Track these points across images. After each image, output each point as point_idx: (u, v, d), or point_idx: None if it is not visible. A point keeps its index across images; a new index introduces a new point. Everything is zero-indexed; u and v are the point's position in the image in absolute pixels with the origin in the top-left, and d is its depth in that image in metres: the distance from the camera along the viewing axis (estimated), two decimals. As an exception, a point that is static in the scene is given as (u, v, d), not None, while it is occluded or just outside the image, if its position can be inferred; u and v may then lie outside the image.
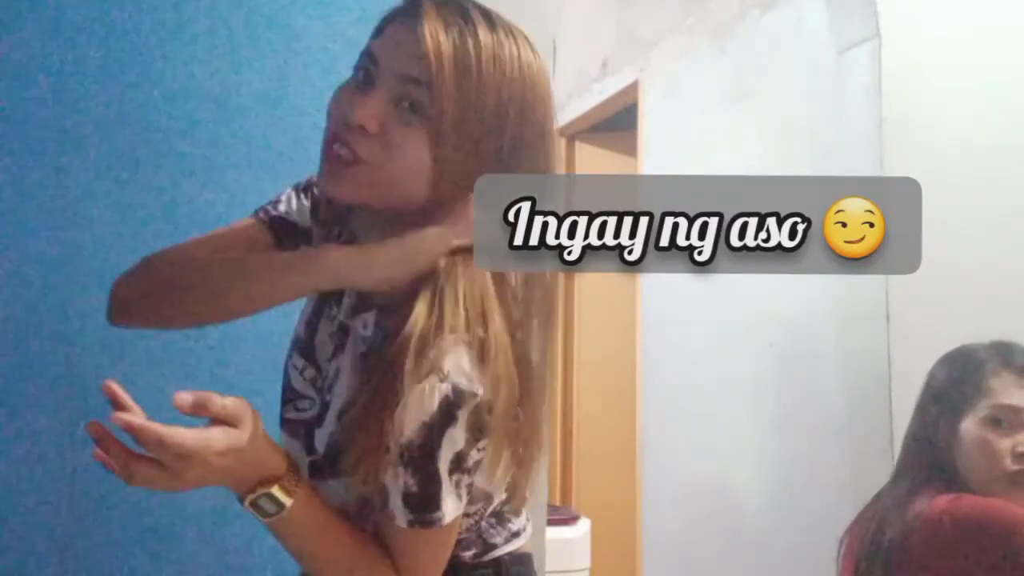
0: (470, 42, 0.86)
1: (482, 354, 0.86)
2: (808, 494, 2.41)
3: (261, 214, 1.07)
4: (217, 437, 0.81)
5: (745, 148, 2.76)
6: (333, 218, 1.02)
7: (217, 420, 0.82)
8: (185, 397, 0.81)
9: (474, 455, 0.88)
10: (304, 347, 1.02)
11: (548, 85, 0.93)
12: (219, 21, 1.57)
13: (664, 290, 3.15)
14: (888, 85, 2.26)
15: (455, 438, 0.85)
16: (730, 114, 2.83)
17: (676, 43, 3.12)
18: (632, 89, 3.37)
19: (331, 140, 0.89)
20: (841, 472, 2.29)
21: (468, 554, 0.99)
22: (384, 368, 0.86)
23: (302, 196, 1.06)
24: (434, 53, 0.85)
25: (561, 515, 2.79)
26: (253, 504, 0.87)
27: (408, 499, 0.87)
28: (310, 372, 1.01)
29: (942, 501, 1.47)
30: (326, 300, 1.01)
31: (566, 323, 3.76)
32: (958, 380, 1.58)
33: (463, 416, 0.85)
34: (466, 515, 0.96)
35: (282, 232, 1.05)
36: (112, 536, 1.46)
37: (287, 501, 0.86)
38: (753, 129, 2.73)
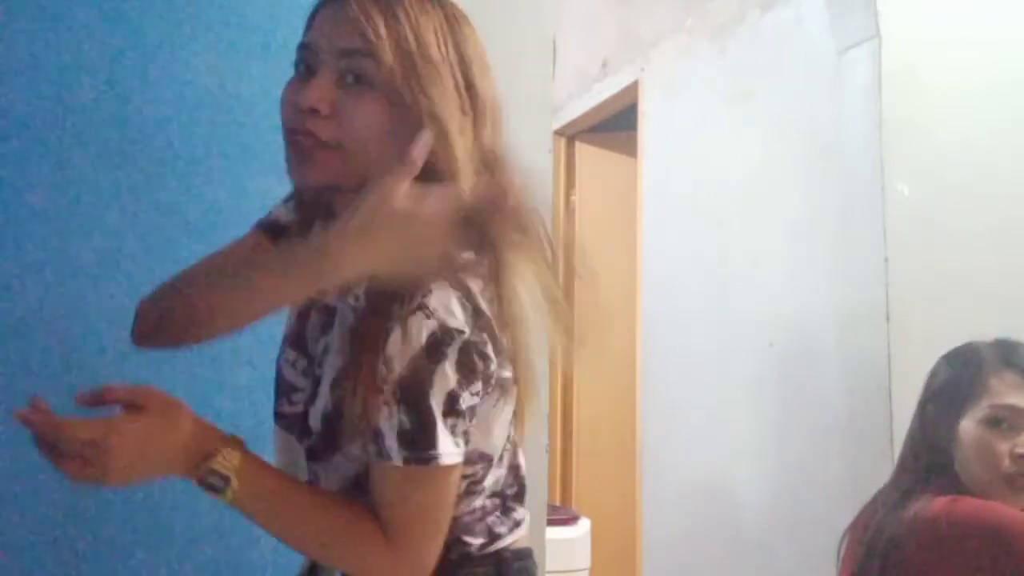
0: (396, 8, 0.90)
1: (473, 299, 0.89)
2: (808, 494, 2.41)
3: (256, 224, 1.11)
4: (116, 422, 0.87)
5: (745, 148, 2.76)
6: (313, 209, 1.04)
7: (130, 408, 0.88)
8: (83, 394, 0.90)
9: (467, 398, 0.89)
10: (296, 339, 1.03)
11: (481, 47, 0.97)
12: (219, 21, 1.57)
13: (664, 290, 3.15)
14: (888, 85, 2.26)
15: (446, 375, 0.86)
16: (730, 114, 2.83)
17: (676, 43, 3.12)
18: (632, 89, 3.37)
19: (290, 133, 0.92)
20: (841, 472, 2.29)
21: (476, 544, 0.99)
22: (375, 324, 0.88)
23: (288, 202, 1.10)
24: (366, 19, 0.89)
25: (561, 515, 2.79)
26: (203, 484, 0.89)
27: (403, 436, 0.87)
28: (302, 363, 1.02)
29: (939, 503, 1.47)
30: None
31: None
32: (959, 379, 1.57)
33: (452, 354, 0.86)
34: (470, 492, 0.97)
35: (275, 234, 1.08)
36: (112, 536, 1.46)
37: (228, 472, 0.88)
38: (753, 129, 2.73)
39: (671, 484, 3.04)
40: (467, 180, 0.91)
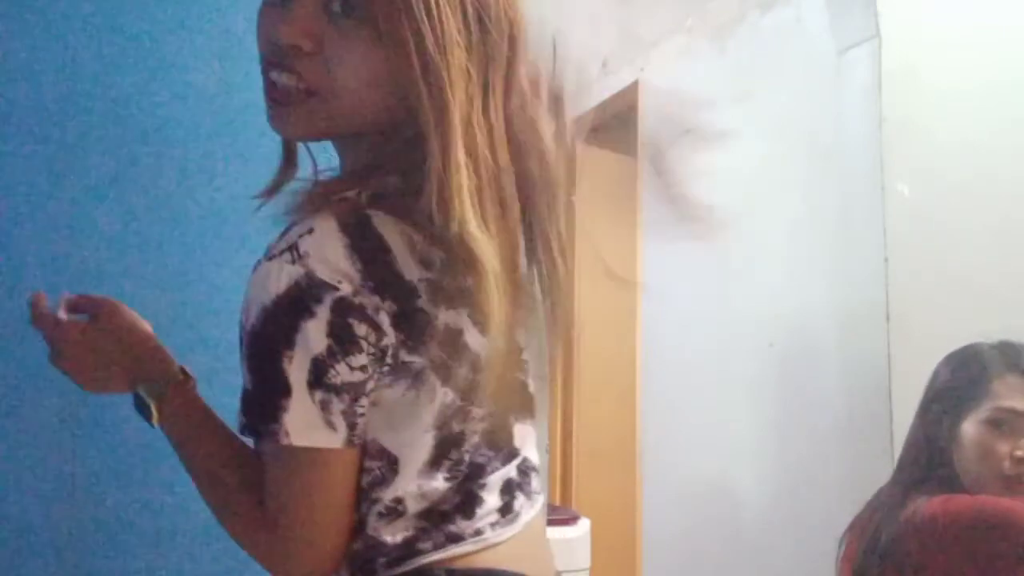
0: None
1: (375, 246, 0.72)
2: (808, 494, 2.41)
3: None
4: (64, 325, 0.96)
5: (745, 148, 2.76)
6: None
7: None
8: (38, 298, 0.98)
9: (344, 372, 0.73)
10: None
11: None
12: (219, 21, 1.57)
13: (664, 290, 3.15)
14: (888, 85, 2.26)
15: (309, 338, 0.71)
16: (730, 114, 2.82)
17: (676, 43, 3.12)
18: (632, 89, 3.37)
19: (266, 69, 0.78)
20: (841, 472, 2.28)
21: (381, 560, 0.81)
22: None
23: None
24: None
25: (561, 515, 2.79)
26: (135, 404, 0.92)
27: (244, 399, 0.77)
28: None
29: (935, 502, 1.47)
30: None
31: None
32: (961, 380, 1.58)
33: (322, 313, 0.71)
34: (369, 497, 0.80)
35: None
36: (112, 536, 1.45)
37: (149, 401, 0.90)
38: (753, 129, 2.73)
39: (671, 484, 3.03)
40: (456, 152, 0.73)
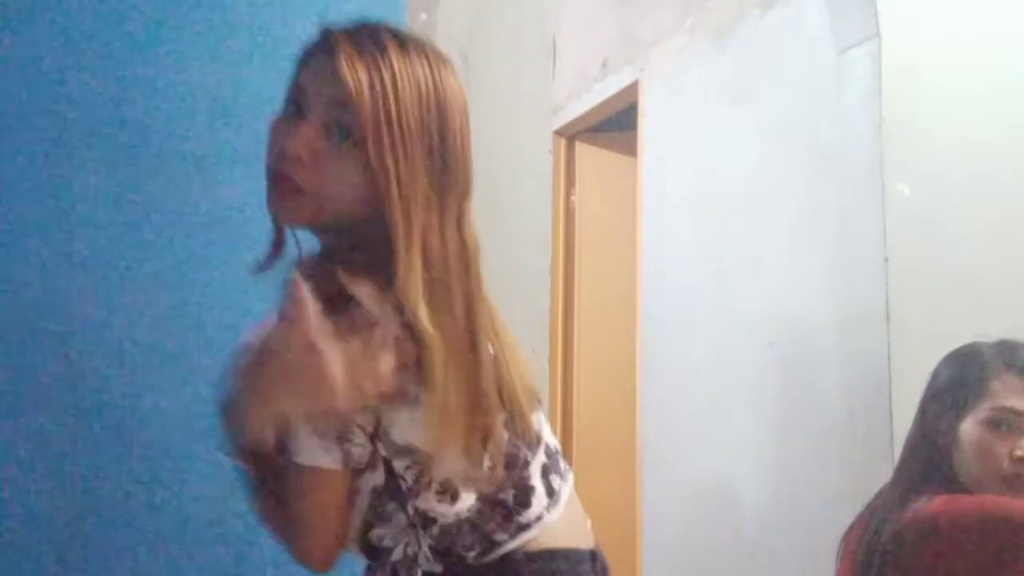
0: (382, 64, 0.93)
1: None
2: (808, 494, 2.41)
3: None
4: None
5: (745, 148, 2.76)
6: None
7: None
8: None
9: None
10: None
11: (464, 99, 0.99)
12: (219, 21, 1.57)
13: (664, 290, 3.15)
14: (888, 85, 2.26)
15: None
16: (730, 114, 2.83)
17: (676, 43, 3.12)
18: (632, 89, 3.37)
19: (272, 170, 0.97)
20: (841, 472, 2.29)
21: (471, 554, 0.98)
22: None
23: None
24: (351, 78, 0.92)
25: (561, 515, 2.79)
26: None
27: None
28: None
29: (938, 502, 1.47)
30: None
31: (566, 323, 3.77)
32: (960, 380, 1.57)
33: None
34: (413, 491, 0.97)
35: None
36: (112, 537, 1.46)
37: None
38: (753, 129, 2.73)
39: (671, 484, 3.04)
40: (411, 273, 0.91)
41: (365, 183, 0.94)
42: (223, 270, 1.52)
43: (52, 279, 1.46)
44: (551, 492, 1.05)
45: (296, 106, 0.97)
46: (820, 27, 2.45)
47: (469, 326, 0.95)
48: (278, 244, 1.05)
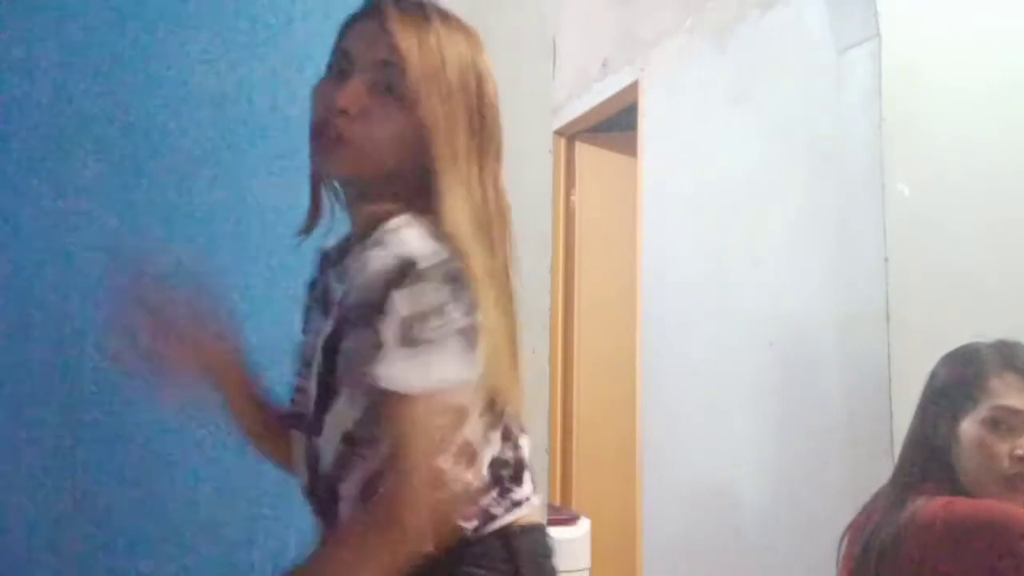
0: (428, 27, 1.00)
1: (442, 234, 0.94)
2: (808, 494, 2.41)
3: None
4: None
5: (745, 148, 2.76)
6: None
7: None
8: None
9: (430, 326, 0.90)
10: (306, 354, 1.07)
11: (494, 74, 1.06)
12: (219, 21, 1.57)
13: (664, 290, 3.15)
14: (888, 85, 2.26)
15: (398, 303, 0.90)
16: (730, 114, 2.83)
17: (676, 43, 3.12)
18: (632, 89, 3.37)
19: (319, 126, 1.01)
20: (841, 472, 2.29)
21: (470, 526, 1.00)
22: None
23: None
24: (401, 37, 0.99)
25: (561, 515, 2.79)
26: None
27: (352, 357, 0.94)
28: (305, 371, 1.06)
29: (936, 504, 1.47)
30: (316, 303, 1.09)
31: (566, 323, 3.77)
32: (959, 380, 1.57)
33: (411, 282, 0.90)
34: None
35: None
36: (112, 536, 1.46)
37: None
38: (753, 129, 2.73)
39: (671, 484, 3.04)
40: (459, 208, 0.97)
41: (409, 136, 0.99)
42: (223, 269, 1.52)
43: (52, 279, 1.46)
44: (533, 475, 1.09)
45: (339, 69, 1.02)
46: (820, 27, 2.45)
47: (507, 271, 1.01)
48: (315, 207, 1.10)
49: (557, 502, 3.51)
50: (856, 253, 2.32)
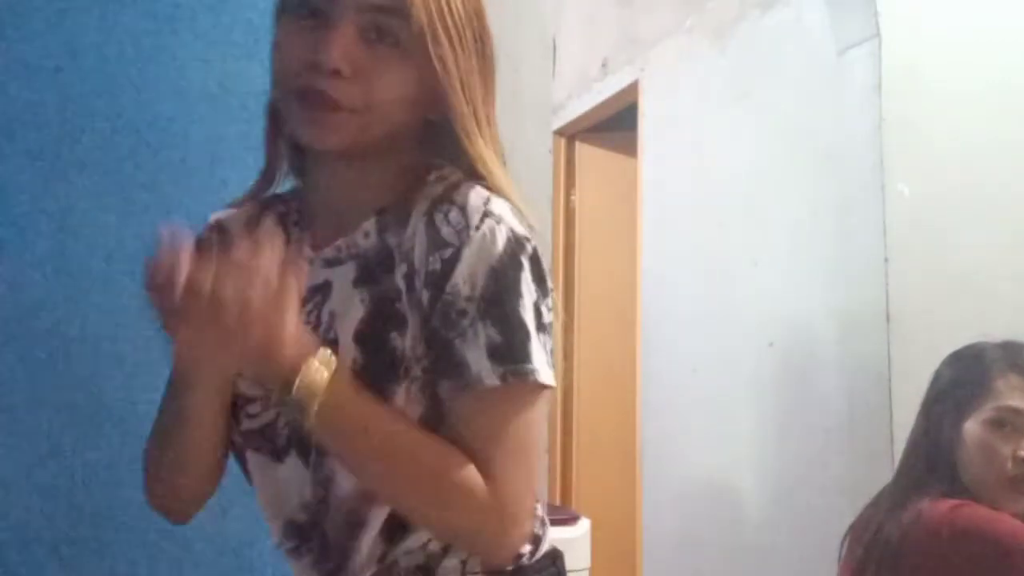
0: None
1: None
2: (808, 494, 2.41)
3: None
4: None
5: (745, 148, 2.76)
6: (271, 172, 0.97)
7: None
8: None
9: (545, 312, 0.84)
10: None
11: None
12: (219, 20, 1.57)
13: (664, 290, 3.15)
14: (888, 85, 2.26)
15: (529, 285, 0.82)
16: (730, 114, 2.83)
17: (676, 43, 3.12)
18: (632, 89, 3.37)
19: (301, 92, 0.84)
20: (841, 472, 2.29)
21: (526, 552, 0.89)
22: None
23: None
24: None
25: (561, 515, 2.79)
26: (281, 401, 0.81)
27: (494, 352, 0.80)
28: None
29: (942, 508, 1.46)
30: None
31: (566, 323, 3.76)
32: (963, 380, 1.57)
33: (527, 263, 0.82)
34: None
35: None
36: (112, 536, 1.46)
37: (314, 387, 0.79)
38: (753, 129, 2.73)
39: (671, 484, 3.04)
40: (501, 175, 0.87)
41: (416, 88, 0.85)
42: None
43: (52, 279, 1.46)
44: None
45: (311, 11, 0.84)
46: (820, 27, 2.45)
47: None
48: (267, 178, 0.95)
49: (557, 502, 3.50)
50: (856, 253, 2.32)
